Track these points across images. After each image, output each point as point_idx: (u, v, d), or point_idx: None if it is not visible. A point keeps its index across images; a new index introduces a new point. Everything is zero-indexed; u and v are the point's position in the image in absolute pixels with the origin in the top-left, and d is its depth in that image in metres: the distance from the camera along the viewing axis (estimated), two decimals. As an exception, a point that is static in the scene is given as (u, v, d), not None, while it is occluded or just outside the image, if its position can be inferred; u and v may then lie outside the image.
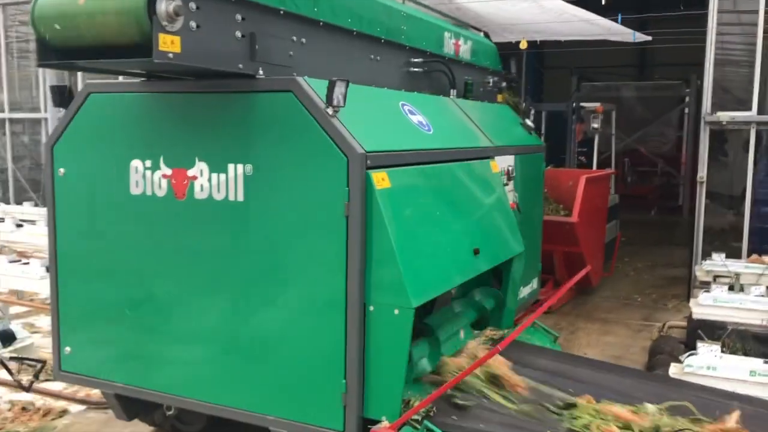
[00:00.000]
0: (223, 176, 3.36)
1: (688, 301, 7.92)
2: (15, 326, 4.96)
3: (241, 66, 3.20)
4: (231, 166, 3.33)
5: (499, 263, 4.22)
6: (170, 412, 4.14)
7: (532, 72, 15.62)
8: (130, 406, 3.92)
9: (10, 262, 5.93)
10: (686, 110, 15.12)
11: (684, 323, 7.06)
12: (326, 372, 3.21)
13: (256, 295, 3.37)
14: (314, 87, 3.17)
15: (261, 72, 3.27)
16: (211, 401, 3.52)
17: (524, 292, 5.45)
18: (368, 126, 3.35)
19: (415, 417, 3.13)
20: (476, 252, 3.83)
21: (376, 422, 3.11)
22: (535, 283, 5.98)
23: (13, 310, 7.34)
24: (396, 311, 3.08)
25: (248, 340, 3.41)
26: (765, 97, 7.39)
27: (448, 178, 3.90)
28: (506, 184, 4.98)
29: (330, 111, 3.05)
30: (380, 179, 3.14)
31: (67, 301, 3.90)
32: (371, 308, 3.13)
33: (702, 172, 7.66)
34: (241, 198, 3.33)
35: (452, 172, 3.97)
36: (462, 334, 4.02)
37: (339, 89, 3.01)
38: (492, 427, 3.18)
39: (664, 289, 8.79)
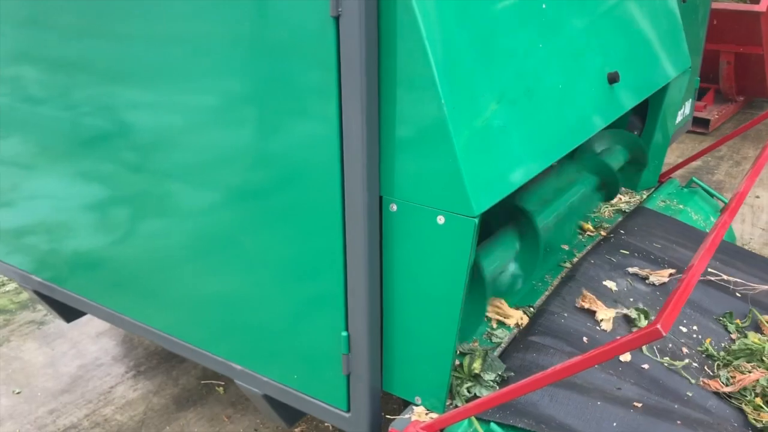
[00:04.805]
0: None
1: None
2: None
3: None
4: None
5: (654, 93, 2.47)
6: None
7: None
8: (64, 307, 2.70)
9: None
10: None
11: None
12: (317, 318, 1.76)
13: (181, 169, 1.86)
14: None
15: None
16: (139, 321, 2.23)
17: (674, 122, 3.66)
18: None
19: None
20: (613, 79, 2.09)
21: (402, 404, 1.72)
22: (687, 107, 4.10)
23: None
24: (440, 219, 1.51)
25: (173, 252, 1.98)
26: None
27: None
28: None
29: None
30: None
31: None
32: (393, 207, 1.58)
33: None
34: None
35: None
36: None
37: None
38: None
39: None
